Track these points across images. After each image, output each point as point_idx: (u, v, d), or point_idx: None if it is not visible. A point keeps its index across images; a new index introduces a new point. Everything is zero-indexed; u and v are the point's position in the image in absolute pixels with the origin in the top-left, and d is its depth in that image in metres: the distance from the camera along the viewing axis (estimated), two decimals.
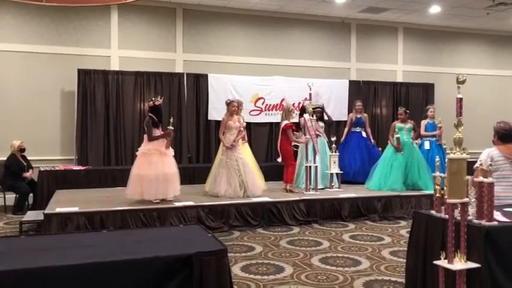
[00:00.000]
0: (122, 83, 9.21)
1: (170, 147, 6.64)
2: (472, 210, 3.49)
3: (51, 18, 8.92)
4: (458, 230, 3.18)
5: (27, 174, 7.99)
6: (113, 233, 3.69)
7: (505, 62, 12.31)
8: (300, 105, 9.42)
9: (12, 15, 8.73)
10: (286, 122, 7.62)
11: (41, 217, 5.84)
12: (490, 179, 3.42)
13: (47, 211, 5.86)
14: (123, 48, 9.44)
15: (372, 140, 9.16)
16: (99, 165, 8.84)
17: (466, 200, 3.22)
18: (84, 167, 8.44)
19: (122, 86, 9.21)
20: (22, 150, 8.14)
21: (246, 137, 7.94)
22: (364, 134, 9.04)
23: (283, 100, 10.09)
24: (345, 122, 10.63)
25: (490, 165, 3.58)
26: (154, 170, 6.29)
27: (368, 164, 8.56)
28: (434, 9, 9.99)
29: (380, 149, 9.20)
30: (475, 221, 3.41)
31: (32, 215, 6.52)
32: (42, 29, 8.93)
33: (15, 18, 8.78)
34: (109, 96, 9.13)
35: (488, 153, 4.12)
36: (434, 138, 8.67)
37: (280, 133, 7.75)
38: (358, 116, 9.12)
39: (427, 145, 8.70)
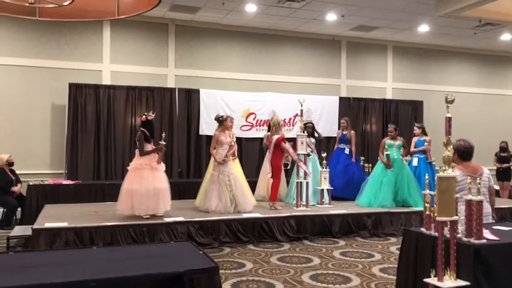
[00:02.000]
0: (113, 97, 9.20)
1: (162, 162, 6.62)
2: (461, 228, 3.53)
3: (43, 32, 8.93)
4: (448, 247, 3.21)
5: (16, 189, 7.91)
6: (102, 250, 3.65)
7: (492, 81, 12.53)
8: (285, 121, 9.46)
9: (4, 29, 8.73)
10: (277, 136, 7.63)
11: (29, 232, 5.75)
12: (478, 198, 3.46)
13: (35, 226, 5.78)
14: (115, 62, 9.46)
15: (353, 158, 8.97)
16: (89, 179, 8.79)
17: (455, 218, 3.26)
18: (73, 182, 8.37)
19: (113, 101, 9.20)
20: (10, 164, 8.06)
21: (236, 153, 7.95)
22: (347, 151, 9.02)
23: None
24: (335, 138, 10.74)
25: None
26: (146, 185, 6.26)
27: (343, 181, 8.55)
28: (423, 28, 10.18)
29: (370, 165, 9.24)
30: (464, 238, 3.44)
31: (19, 230, 6.43)
32: (34, 42, 8.93)
33: (7, 32, 8.78)
34: (100, 111, 9.11)
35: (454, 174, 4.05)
36: (423, 156, 8.74)
37: (272, 147, 7.64)
38: (344, 132, 9.16)
39: (415, 162, 8.76)
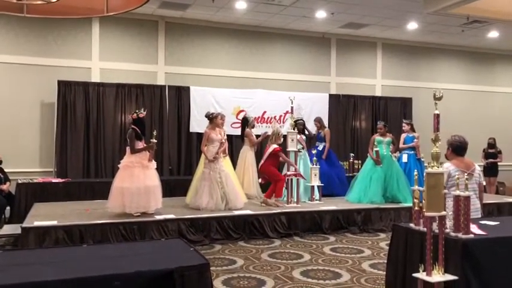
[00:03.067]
0: (102, 95, 9.15)
1: (153, 160, 6.61)
2: (449, 223, 3.57)
3: (31, 29, 8.84)
4: (437, 242, 3.25)
5: (4, 187, 7.84)
6: (93, 248, 3.65)
7: (479, 78, 12.65)
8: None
9: None
10: (275, 146, 7.62)
11: (19, 231, 5.72)
12: (466, 193, 3.51)
13: (24, 225, 5.74)
14: (104, 60, 9.40)
15: (324, 155, 8.94)
16: (78, 177, 8.74)
17: (443, 213, 3.31)
18: (63, 180, 8.31)
19: (103, 98, 9.15)
20: None
21: (227, 151, 7.97)
22: (320, 147, 9.10)
23: (264, 113, 10.21)
24: None
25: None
26: (136, 183, 6.24)
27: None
28: (412, 25, 10.25)
29: (359, 162, 9.29)
30: (452, 233, 3.49)
31: (9, 229, 6.40)
32: (21, 39, 8.84)
33: None
34: (89, 108, 9.06)
35: (447, 169, 4.11)
36: (412, 152, 8.81)
37: (266, 155, 7.62)
38: (319, 131, 9.28)
39: (404, 158, 8.84)
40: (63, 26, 9.01)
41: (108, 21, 9.20)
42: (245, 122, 8.63)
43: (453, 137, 4.30)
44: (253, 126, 8.73)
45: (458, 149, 4.24)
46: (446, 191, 3.52)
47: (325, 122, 10.54)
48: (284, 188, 7.70)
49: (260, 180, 8.17)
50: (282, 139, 7.71)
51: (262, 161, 7.72)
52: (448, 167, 4.10)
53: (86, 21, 9.12)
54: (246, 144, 8.51)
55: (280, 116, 10.26)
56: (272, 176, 7.65)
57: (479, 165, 4.50)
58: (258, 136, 8.73)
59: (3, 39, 8.76)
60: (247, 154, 8.43)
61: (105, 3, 5.19)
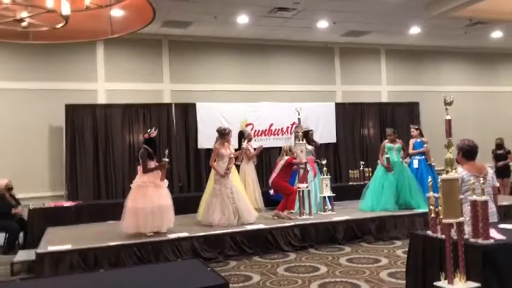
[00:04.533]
0: (109, 116, 9.20)
1: (165, 179, 6.61)
2: (467, 229, 3.52)
3: (37, 54, 8.91)
4: (456, 249, 3.20)
5: (17, 210, 7.85)
6: (110, 273, 3.62)
7: (485, 78, 12.59)
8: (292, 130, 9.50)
9: None
10: (287, 157, 7.65)
11: (33, 257, 5.71)
12: (483, 198, 3.46)
13: (39, 250, 5.74)
14: (110, 81, 9.47)
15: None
16: (89, 199, 8.75)
17: (461, 219, 3.26)
18: (74, 203, 8.32)
19: (110, 119, 9.20)
20: (10, 189, 7.99)
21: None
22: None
23: (271, 125, 10.20)
24: (333, 144, 10.76)
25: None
26: (150, 203, 6.24)
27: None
28: (414, 30, 10.24)
29: (369, 169, 9.23)
30: (471, 239, 3.44)
31: (23, 255, 6.39)
32: (28, 65, 8.93)
33: (0, 57, 8.76)
34: (97, 130, 9.11)
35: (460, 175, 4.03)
36: (422, 157, 8.75)
37: (278, 167, 7.65)
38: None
39: (415, 163, 8.77)
40: (68, 49, 9.08)
41: (112, 42, 9.22)
42: (241, 136, 8.63)
43: (462, 141, 4.23)
44: (250, 139, 8.71)
45: (468, 153, 4.17)
46: (462, 196, 3.47)
47: (333, 131, 10.58)
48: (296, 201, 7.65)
49: (272, 191, 8.15)
50: (294, 154, 7.74)
51: (274, 174, 7.70)
52: (460, 172, 4.04)
53: (91, 43, 9.20)
54: (244, 158, 8.48)
55: (288, 127, 10.24)
56: (284, 190, 7.63)
57: (490, 167, 4.42)
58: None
59: (11, 66, 8.85)
60: (245, 168, 8.41)
61: (109, 26, 5.25)
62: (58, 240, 6.22)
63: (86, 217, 7.94)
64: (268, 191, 8.43)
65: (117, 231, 6.43)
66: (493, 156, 11.08)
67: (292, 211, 7.51)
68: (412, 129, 9.03)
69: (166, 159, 6.57)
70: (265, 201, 8.46)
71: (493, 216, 4.15)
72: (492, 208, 4.16)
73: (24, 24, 4.24)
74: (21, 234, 7.85)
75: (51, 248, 5.77)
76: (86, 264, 5.69)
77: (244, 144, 8.47)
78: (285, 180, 7.67)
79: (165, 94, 9.84)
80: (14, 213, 7.79)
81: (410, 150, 8.85)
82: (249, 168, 8.45)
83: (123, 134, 9.28)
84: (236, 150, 7.96)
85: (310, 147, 8.36)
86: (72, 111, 8.94)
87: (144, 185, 6.35)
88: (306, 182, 7.74)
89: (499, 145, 11.07)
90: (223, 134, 7.38)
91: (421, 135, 8.92)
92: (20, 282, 3.20)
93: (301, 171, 7.74)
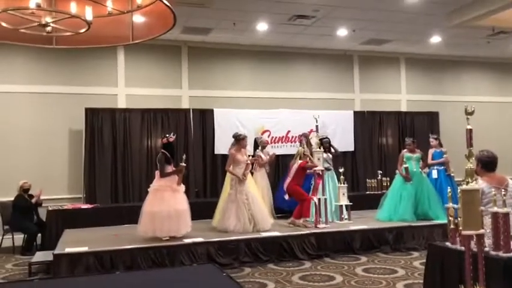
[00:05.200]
0: (128, 120, 9.30)
1: (182, 184, 6.64)
2: (488, 241, 3.45)
3: (59, 58, 9.08)
4: (476, 262, 3.13)
5: (38, 193, 7.95)
6: (126, 275, 3.64)
7: (507, 89, 12.37)
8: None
9: (21, 57, 8.89)
10: (301, 161, 7.63)
11: (50, 258, 5.78)
12: (505, 210, 3.39)
13: (56, 251, 5.81)
14: (130, 86, 9.58)
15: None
16: (107, 203, 8.83)
17: (482, 231, 3.19)
18: (92, 205, 8.42)
19: (129, 124, 9.30)
20: (26, 190, 8.08)
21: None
22: None
23: (288, 132, 10.18)
24: (351, 152, 10.68)
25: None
26: (167, 207, 6.28)
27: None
28: (435, 39, 10.14)
29: (387, 179, 9.12)
30: (492, 252, 3.37)
31: (41, 256, 6.47)
32: (50, 69, 9.09)
33: (24, 60, 8.94)
34: (116, 134, 9.21)
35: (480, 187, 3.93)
36: (442, 167, 8.62)
37: (293, 172, 7.64)
38: None
39: (434, 174, 8.64)
40: (90, 54, 9.23)
41: (133, 48, 9.34)
42: (255, 143, 8.62)
43: (481, 153, 4.11)
44: (264, 147, 8.69)
45: (487, 165, 4.04)
46: (483, 208, 3.40)
47: (351, 139, 10.50)
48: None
49: (286, 196, 8.11)
50: (308, 157, 7.68)
51: (288, 179, 7.68)
52: (480, 184, 3.95)
53: (112, 49, 9.33)
54: (256, 165, 8.46)
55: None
56: (298, 196, 7.58)
57: (511, 178, 4.31)
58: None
59: (35, 70, 9.03)
60: (257, 175, 8.38)
61: (131, 31, 5.32)
62: (75, 242, 6.30)
63: (103, 220, 8.03)
64: (283, 195, 8.38)
65: (133, 235, 6.48)
66: None
67: (307, 219, 7.46)
68: (431, 139, 8.92)
69: (184, 164, 6.61)
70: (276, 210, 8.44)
71: None
72: None
73: (48, 29, 4.32)
74: (39, 236, 7.96)
75: (68, 250, 5.84)
76: (102, 266, 5.73)
77: (258, 151, 8.49)
78: (299, 184, 7.63)
79: (183, 100, 9.90)
80: (35, 196, 7.89)
81: (429, 161, 8.73)
82: (260, 176, 8.42)
83: (141, 138, 9.37)
84: (251, 156, 7.96)
85: (325, 155, 8.30)
86: (92, 115, 9.06)
87: (162, 189, 6.39)
88: (317, 194, 7.70)
89: None
90: (238, 140, 7.39)
91: (440, 145, 8.80)
92: (37, 283, 3.23)
93: (313, 182, 7.70)
